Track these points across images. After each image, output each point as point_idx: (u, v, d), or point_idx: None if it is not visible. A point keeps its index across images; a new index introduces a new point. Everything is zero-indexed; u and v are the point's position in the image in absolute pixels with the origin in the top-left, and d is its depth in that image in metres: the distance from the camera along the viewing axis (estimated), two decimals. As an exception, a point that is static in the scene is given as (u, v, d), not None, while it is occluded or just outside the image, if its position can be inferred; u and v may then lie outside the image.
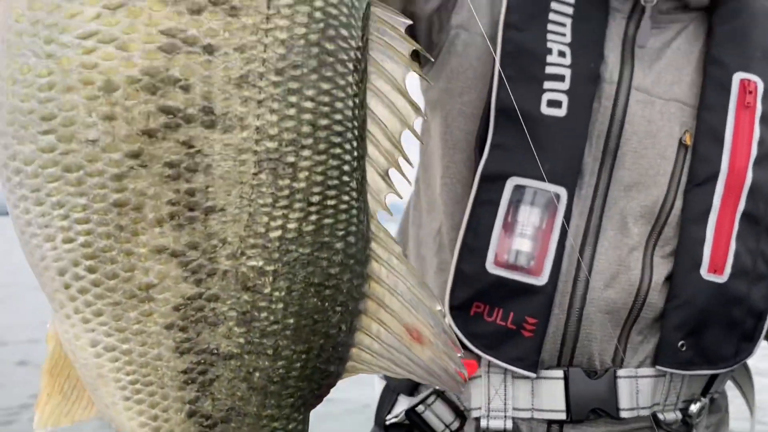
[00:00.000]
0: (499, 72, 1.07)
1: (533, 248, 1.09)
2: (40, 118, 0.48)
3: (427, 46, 1.17)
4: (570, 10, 1.11)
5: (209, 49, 0.47)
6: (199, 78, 0.47)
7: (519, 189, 1.09)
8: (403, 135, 0.55)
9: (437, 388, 1.10)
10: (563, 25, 1.11)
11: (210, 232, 0.50)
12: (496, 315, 1.09)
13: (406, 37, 0.55)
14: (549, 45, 1.10)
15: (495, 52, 1.09)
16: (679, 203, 1.13)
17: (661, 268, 1.13)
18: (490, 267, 1.08)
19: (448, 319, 1.09)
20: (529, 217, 1.09)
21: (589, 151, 1.12)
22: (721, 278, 1.11)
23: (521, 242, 1.09)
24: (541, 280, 1.08)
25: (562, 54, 1.10)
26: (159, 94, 0.47)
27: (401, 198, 0.60)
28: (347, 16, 0.51)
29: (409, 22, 0.56)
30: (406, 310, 0.56)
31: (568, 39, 1.11)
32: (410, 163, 0.55)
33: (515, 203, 1.09)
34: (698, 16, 1.18)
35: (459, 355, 0.58)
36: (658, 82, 1.15)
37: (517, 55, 1.09)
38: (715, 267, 1.12)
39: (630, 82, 1.13)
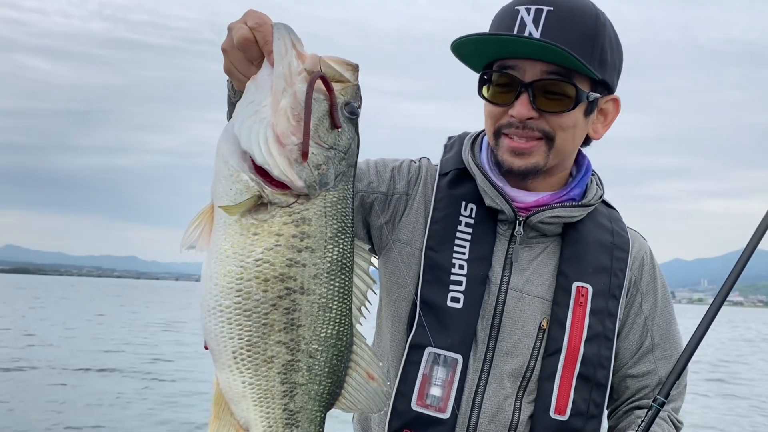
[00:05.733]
0: (423, 275, 1.63)
1: (442, 394, 1.55)
2: (236, 290, 1.23)
3: (378, 245, 1.71)
4: (469, 237, 1.63)
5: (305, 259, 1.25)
6: (300, 275, 1.24)
7: (433, 354, 1.57)
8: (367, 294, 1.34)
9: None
10: (464, 246, 1.62)
11: (299, 335, 1.25)
12: None
13: (368, 254, 1.35)
14: (453, 261, 1.61)
15: (421, 263, 1.64)
16: (538, 366, 1.60)
17: (526, 410, 1.59)
18: (414, 406, 1.56)
19: None
20: (439, 373, 1.56)
21: (481, 328, 1.59)
22: (564, 417, 1.58)
23: (435, 389, 1.55)
24: (446, 415, 1.55)
25: (461, 267, 1.60)
26: (283, 282, 1.24)
27: (361, 324, 1.33)
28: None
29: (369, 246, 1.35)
30: (366, 365, 1.33)
31: (466, 256, 1.61)
32: (368, 311, 1.33)
33: (431, 364, 1.56)
34: (555, 239, 1.68)
35: (388, 383, 1.32)
36: (527, 284, 1.63)
37: (434, 267, 1.61)
38: (560, 410, 1.58)
39: (508, 284, 1.62)
